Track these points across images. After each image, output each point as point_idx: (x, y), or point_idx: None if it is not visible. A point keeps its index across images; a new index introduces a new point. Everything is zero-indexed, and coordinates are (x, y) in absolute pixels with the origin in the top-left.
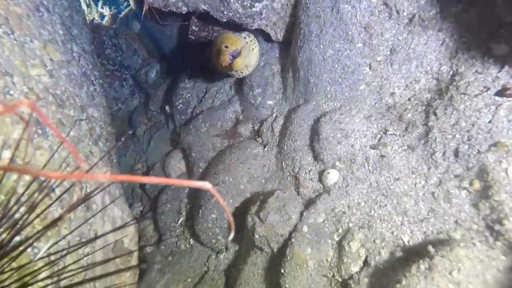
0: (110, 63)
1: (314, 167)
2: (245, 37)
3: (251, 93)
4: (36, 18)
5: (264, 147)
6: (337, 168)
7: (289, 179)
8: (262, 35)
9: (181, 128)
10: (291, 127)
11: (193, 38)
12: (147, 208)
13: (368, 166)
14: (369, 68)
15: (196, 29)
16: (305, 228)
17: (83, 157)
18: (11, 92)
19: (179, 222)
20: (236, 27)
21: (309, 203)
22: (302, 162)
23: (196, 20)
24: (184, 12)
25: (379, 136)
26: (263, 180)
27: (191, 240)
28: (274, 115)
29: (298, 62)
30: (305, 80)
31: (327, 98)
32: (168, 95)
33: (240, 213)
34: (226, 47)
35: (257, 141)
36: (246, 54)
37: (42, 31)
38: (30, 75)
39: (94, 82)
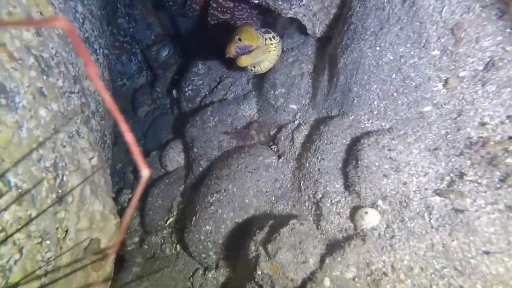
0: (121, 33)
1: (344, 199)
2: (268, 38)
3: (272, 92)
4: None
5: (279, 157)
6: (378, 209)
7: (307, 204)
8: (296, 25)
9: (186, 118)
10: (319, 141)
11: (213, 20)
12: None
13: (431, 218)
14: (443, 85)
15: (217, 12)
16: (327, 282)
17: (66, 137)
18: None
19: (168, 222)
20: (265, 12)
21: (333, 246)
22: (328, 189)
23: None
24: None
25: (448, 179)
26: (273, 198)
27: (178, 246)
28: (296, 122)
29: (340, 64)
30: (345, 87)
31: (372, 115)
32: (178, 79)
33: (239, 230)
34: (239, 39)
35: (271, 149)
36: (256, 55)
37: None
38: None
39: (98, 51)
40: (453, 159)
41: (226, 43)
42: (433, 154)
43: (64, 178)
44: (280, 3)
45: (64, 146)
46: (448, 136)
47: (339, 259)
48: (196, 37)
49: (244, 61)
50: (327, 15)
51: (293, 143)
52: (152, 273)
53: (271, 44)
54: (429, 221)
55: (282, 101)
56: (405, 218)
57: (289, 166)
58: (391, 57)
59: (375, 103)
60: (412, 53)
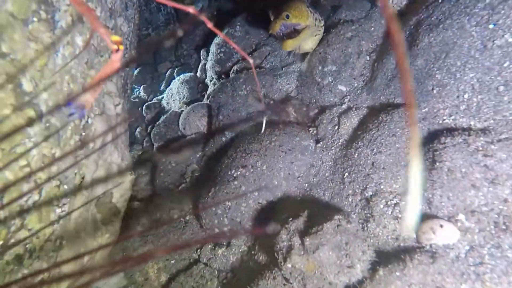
0: None
1: (403, 202)
2: (317, 19)
3: (320, 68)
4: None
5: (317, 142)
6: (459, 224)
7: (350, 200)
8: None
9: (214, 81)
10: (377, 131)
11: None
12: (147, 155)
13: None
14: None
15: None
16: None
17: (83, 79)
18: None
19: (180, 188)
20: None
21: (387, 256)
22: (382, 187)
23: None
24: None
25: None
26: (306, 185)
27: (187, 215)
28: (344, 105)
29: (422, 44)
30: (424, 73)
31: (457, 109)
32: (210, 37)
33: (262, 213)
34: (287, 16)
35: (309, 131)
36: (304, 38)
37: None
38: None
39: None
40: None
41: (273, 13)
42: None
43: (89, 120)
44: None
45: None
46: None
47: (397, 273)
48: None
49: (290, 45)
50: None
51: (338, 128)
52: (157, 237)
53: (319, 26)
54: None
55: (330, 80)
56: (504, 245)
57: (329, 153)
58: (510, 40)
59: (466, 96)
60: None
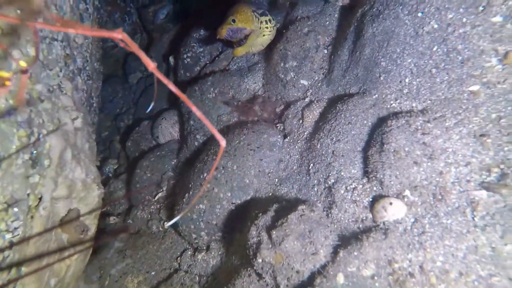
0: None
1: (361, 186)
2: (264, 21)
3: (282, 64)
4: None
5: (285, 137)
6: (405, 200)
7: (316, 189)
8: None
9: (184, 87)
10: (335, 121)
11: None
12: (123, 169)
13: (474, 216)
14: (499, 60)
15: None
16: (341, 279)
17: (45, 90)
18: None
19: (156, 197)
20: None
21: (347, 238)
22: (342, 174)
23: None
24: None
25: (498, 171)
26: (276, 180)
27: (165, 223)
28: (307, 99)
29: (367, 34)
30: (371, 61)
31: (401, 94)
32: (176, 45)
33: (236, 212)
34: (233, 20)
35: (276, 127)
36: (251, 41)
37: None
38: None
39: (88, 0)
40: (506, 148)
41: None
42: (479, 141)
43: (41, 137)
44: None
45: (42, 101)
46: (502, 120)
47: (355, 253)
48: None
49: (240, 52)
50: None
51: (302, 121)
52: (136, 250)
53: (266, 27)
54: (473, 218)
55: (293, 76)
56: (440, 213)
57: (296, 147)
58: (436, 25)
59: (407, 80)
60: (464, 20)
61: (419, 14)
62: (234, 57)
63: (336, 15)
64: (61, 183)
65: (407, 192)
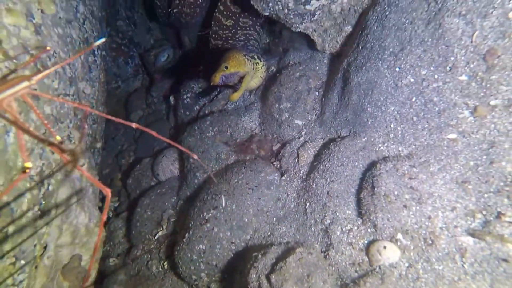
0: (120, 36)
1: (356, 228)
2: (254, 63)
3: (277, 105)
4: None
5: (282, 175)
6: (398, 244)
7: (313, 229)
8: (304, 40)
9: (183, 126)
10: (328, 162)
11: (216, 25)
12: (123, 207)
13: (464, 263)
14: (471, 112)
15: (221, 16)
16: None
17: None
18: None
19: (156, 236)
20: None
21: (345, 282)
22: (337, 214)
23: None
24: None
25: (481, 217)
26: (274, 218)
27: (165, 264)
28: (301, 138)
29: (353, 83)
30: (358, 107)
31: (387, 138)
32: (176, 85)
33: (236, 252)
34: (226, 67)
35: (273, 165)
36: (246, 82)
37: None
38: (2, 23)
39: (96, 52)
40: (485, 195)
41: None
42: (461, 187)
43: (50, 187)
44: (292, 17)
45: (53, 153)
46: (479, 168)
47: None
48: (198, 45)
49: (235, 97)
50: (339, 32)
51: (298, 160)
52: None
53: (259, 68)
54: (462, 265)
55: (287, 116)
56: (432, 259)
57: (293, 185)
58: (412, 80)
59: (392, 125)
60: (436, 76)
61: (397, 69)
62: (230, 101)
63: (325, 61)
64: (66, 230)
65: (399, 236)
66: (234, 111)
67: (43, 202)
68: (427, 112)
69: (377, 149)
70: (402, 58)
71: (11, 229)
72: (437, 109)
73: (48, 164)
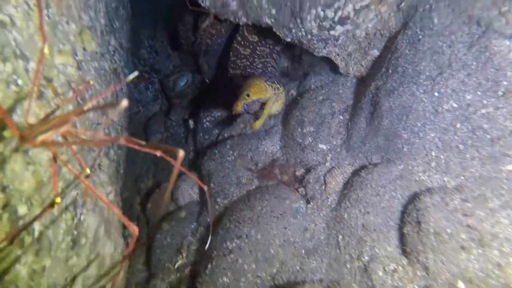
0: (142, 63)
1: (402, 268)
2: (275, 88)
3: (299, 129)
4: (81, 0)
5: (308, 202)
6: None
7: (349, 267)
8: (324, 63)
9: (203, 150)
10: (360, 191)
11: (234, 55)
12: (142, 233)
13: None
14: None
15: (239, 46)
16: None
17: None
18: (19, 81)
19: (176, 265)
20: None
21: None
22: (377, 251)
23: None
24: (242, 24)
25: None
26: (303, 251)
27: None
28: (327, 164)
29: (384, 107)
30: (391, 132)
31: (429, 166)
32: (195, 109)
33: (261, 286)
34: (248, 95)
35: (298, 191)
36: (266, 112)
37: (83, 15)
38: (54, 63)
39: (123, 81)
40: None
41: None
42: None
43: (82, 217)
44: (315, 42)
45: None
46: None
47: None
48: (217, 71)
49: (258, 125)
50: (364, 56)
51: (325, 188)
52: None
53: (279, 93)
54: None
55: (311, 140)
56: None
57: (321, 215)
58: (455, 105)
59: (433, 153)
60: (485, 102)
61: (436, 94)
62: (252, 129)
63: (348, 84)
64: (93, 260)
65: (461, 285)
66: (254, 135)
67: (75, 232)
68: (476, 140)
69: (417, 178)
70: (442, 83)
71: (48, 263)
72: (489, 137)
73: (81, 193)
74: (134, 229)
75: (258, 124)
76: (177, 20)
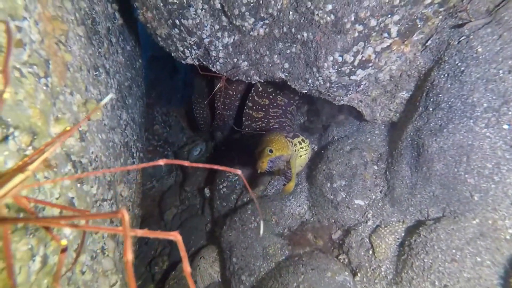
0: (155, 138)
1: None
2: (298, 143)
3: (329, 184)
4: (90, 75)
5: (354, 274)
6: None
7: None
8: (345, 113)
9: (221, 219)
10: (426, 255)
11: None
12: None
13: None
14: None
15: (251, 111)
16: None
17: (88, 258)
18: None
19: None
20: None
21: None
22: None
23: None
24: (254, 82)
25: None
26: None
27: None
28: (369, 222)
29: (432, 149)
30: (449, 178)
31: None
32: (209, 178)
33: None
34: (271, 151)
35: (339, 260)
36: (294, 170)
37: (92, 89)
38: (48, 133)
39: (134, 154)
40: None
41: (256, 153)
42: None
43: None
44: (335, 90)
45: (84, 273)
46: None
47: None
48: (230, 134)
49: (291, 187)
50: (391, 99)
51: (373, 253)
52: None
53: (301, 148)
54: None
55: (344, 196)
56: None
57: None
58: None
59: None
60: None
61: (505, 127)
62: (285, 193)
63: (376, 132)
64: None
65: None
66: (276, 196)
67: None
68: None
69: (507, 236)
70: (510, 112)
71: None
72: None
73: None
74: None
75: (291, 185)
76: (191, 93)
